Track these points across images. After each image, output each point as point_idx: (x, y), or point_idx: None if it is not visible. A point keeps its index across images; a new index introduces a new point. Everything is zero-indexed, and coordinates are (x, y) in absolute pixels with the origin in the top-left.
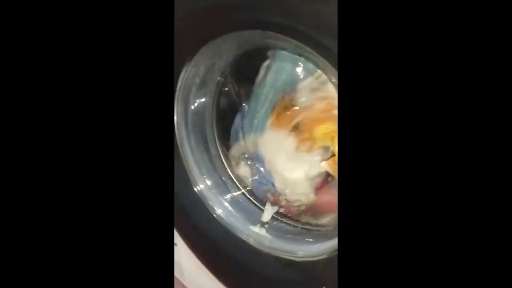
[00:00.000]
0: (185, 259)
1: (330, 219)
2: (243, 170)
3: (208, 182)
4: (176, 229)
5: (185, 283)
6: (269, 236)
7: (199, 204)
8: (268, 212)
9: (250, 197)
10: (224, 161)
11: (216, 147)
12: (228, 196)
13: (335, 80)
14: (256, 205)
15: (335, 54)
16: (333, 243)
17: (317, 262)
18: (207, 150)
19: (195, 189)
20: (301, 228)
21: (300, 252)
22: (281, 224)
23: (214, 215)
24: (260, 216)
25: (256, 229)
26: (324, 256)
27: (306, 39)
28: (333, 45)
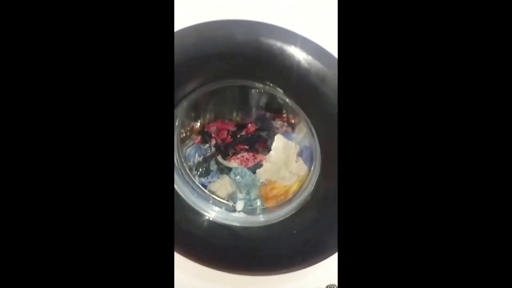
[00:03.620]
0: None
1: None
2: (240, 204)
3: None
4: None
5: None
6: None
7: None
8: (240, 203)
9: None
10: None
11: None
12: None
13: None
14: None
15: None
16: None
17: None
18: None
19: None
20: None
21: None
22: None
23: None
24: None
25: (236, 214)
26: (280, 219)
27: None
28: None
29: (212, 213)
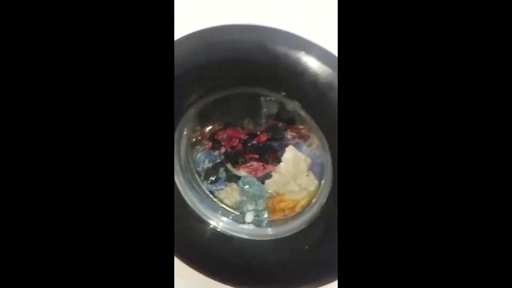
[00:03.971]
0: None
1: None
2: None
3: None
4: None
5: None
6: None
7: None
8: (250, 215)
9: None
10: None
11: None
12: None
13: None
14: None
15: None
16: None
17: (293, 234)
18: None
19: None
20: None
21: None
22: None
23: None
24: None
25: (245, 226)
26: (293, 232)
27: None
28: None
29: (220, 223)
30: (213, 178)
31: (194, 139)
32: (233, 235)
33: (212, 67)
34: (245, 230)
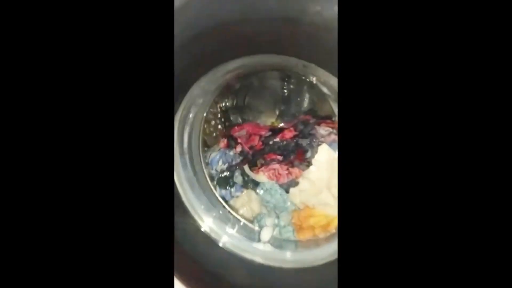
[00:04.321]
0: None
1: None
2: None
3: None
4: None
5: None
6: (275, 249)
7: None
8: (267, 232)
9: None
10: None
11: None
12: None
13: None
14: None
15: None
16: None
17: (324, 265)
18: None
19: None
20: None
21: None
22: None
23: (220, 244)
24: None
25: (260, 245)
26: (324, 261)
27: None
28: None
29: (229, 240)
30: (226, 182)
31: (208, 130)
32: (243, 257)
33: (220, 29)
34: (259, 251)
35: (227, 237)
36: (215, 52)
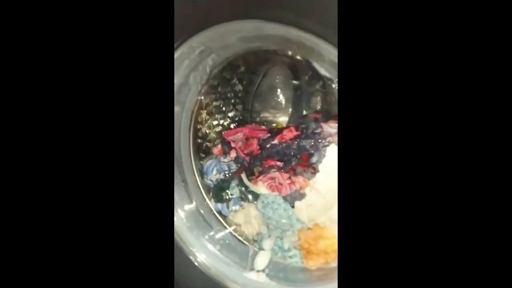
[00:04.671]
0: None
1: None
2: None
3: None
4: None
5: None
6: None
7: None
8: (262, 258)
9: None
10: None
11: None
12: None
13: None
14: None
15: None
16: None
17: None
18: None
19: None
20: None
21: None
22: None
23: (196, 263)
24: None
25: (253, 275)
26: None
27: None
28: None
29: (214, 266)
30: (220, 195)
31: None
32: None
33: None
34: (251, 282)
35: (215, 263)
36: None
